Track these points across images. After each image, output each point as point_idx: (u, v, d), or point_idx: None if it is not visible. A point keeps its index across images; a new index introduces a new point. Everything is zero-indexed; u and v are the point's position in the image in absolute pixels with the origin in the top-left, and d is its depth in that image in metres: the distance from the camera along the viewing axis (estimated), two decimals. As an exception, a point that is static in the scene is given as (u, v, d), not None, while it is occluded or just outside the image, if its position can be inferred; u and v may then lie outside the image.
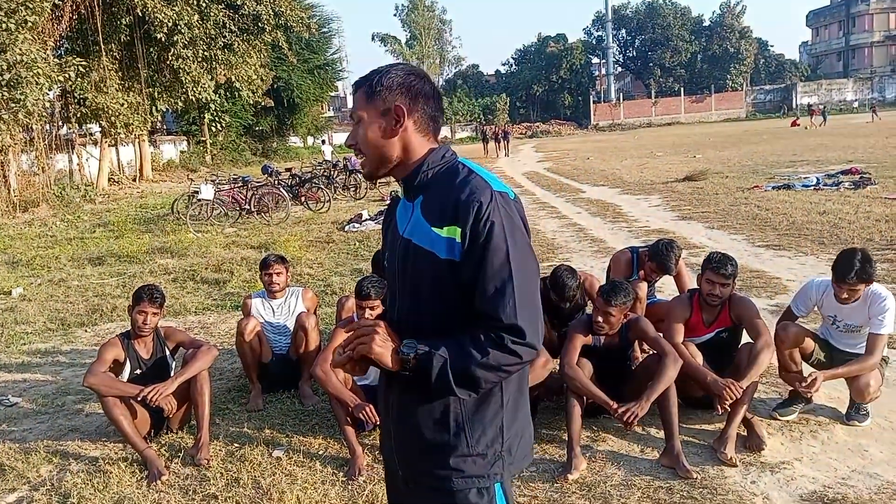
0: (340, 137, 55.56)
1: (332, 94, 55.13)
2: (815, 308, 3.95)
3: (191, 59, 21.39)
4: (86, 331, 6.62)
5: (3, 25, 14.08)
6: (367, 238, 10.79)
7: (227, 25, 21.98)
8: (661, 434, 3.52)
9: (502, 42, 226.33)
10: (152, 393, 3.67)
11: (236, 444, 3.88)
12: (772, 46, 73.91)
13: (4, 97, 14.44)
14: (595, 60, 72.70)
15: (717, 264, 3.75)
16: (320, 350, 4.34)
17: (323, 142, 37.61)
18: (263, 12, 22.54)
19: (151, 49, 22.34)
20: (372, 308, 3.80)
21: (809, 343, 3.81)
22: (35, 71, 14.87)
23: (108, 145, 23.34)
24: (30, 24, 15.13)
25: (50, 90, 17.89)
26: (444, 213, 1.54)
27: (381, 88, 1.59)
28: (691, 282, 4.73)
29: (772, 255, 7.83)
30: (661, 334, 3.79)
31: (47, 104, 18.04)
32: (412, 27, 67.39)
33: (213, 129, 33.23)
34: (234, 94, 28.92)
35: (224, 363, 5.32)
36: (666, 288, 5.68)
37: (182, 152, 33.83)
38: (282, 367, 4.65)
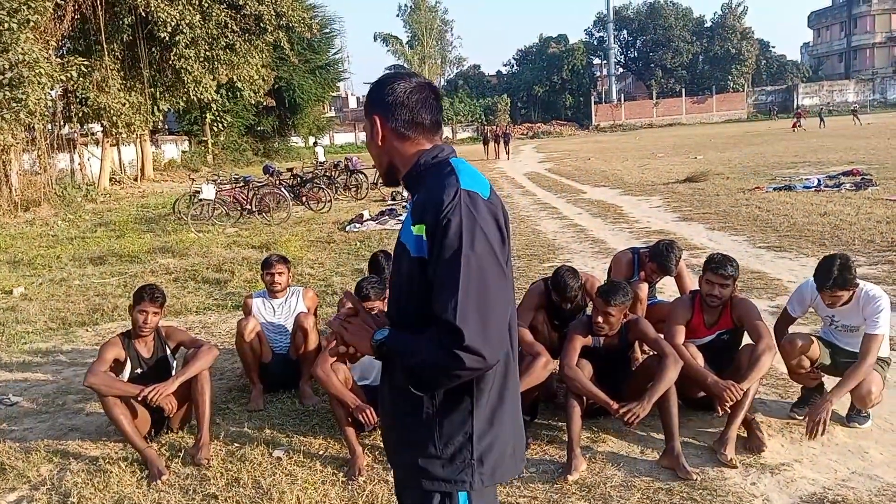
0: (341, 138, 55.63)
1: (334, 94, 55.17)
2: (811, 309, 3.94)
3: (193, 58, 21.43)
4: (87, 330, 6.63)
5: (6, 25, 14.07)
6: (368, 238, 10.80)
7: (229, 25, 21.99)
8: (661, 435, 3.52)
9: (504, 42, 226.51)
10: (153, 393, 3.68)
11: (237, 444, 3.88)
12: (773, 47, 74.05)
13: (6, 96, 14.44)
14: (596, 61, 72.79)
15: (718, 265, 3.76)
16: (320, 350, 4.34)
17: (315, 143, 37.37)
18: (265, 12, 22.55)
19: (153, 49, 22.39)
20: (371, 309, 3.79)
21: (815, 350, 3.77)
22: (37, 70, 14.88)
23: (110, 145, 23.38)
24: (32, 23, 15.13)
25: (52, 90, 17.93)
26: (415, 211, 1.57)
27: (367, 101, 1.72)
28: (692, 283, 4.73)
29: (773, 257, 7.83)
30: (662, 335, 3.79)
31: (49, 104, 18.03)
32: (414, 27, 67.35)
33: (215, 128, 33.32)
34: (236, 94, 29.02)
35: (224, 363, 5.32)
36: (667, 289, 5.68)
37: (184, 152, 33.92)
38: (282, 367, 4.65)
